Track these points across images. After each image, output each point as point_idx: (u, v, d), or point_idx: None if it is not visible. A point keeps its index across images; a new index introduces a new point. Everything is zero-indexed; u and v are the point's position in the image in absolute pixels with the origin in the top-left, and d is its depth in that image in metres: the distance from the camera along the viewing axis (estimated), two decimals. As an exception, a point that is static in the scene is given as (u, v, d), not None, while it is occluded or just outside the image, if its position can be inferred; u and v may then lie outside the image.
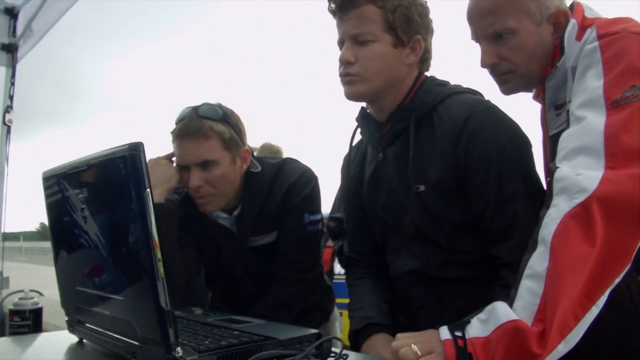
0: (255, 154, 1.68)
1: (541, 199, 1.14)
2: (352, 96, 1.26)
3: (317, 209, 1.64)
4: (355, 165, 1.47)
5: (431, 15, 1.30)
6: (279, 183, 1.62)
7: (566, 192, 0.90)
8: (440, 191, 1.21)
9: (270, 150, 3.52)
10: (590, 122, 0.94)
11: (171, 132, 1.54)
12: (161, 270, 0.81)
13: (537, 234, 0.92)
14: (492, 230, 1.17)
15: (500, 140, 1.16)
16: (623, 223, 0.85)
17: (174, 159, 1.58)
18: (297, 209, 1.61)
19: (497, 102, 1.27)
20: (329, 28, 1.32)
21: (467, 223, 1.22)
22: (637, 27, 1.01)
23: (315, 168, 1.67)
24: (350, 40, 1.23)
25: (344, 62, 1.23)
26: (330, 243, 2.82)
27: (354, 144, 1.49)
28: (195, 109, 1.52)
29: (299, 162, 1.71)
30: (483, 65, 1.21)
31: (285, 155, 3.44)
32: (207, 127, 1.48)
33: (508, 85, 1.22)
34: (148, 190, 0.81)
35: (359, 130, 1.42)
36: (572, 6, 1.19)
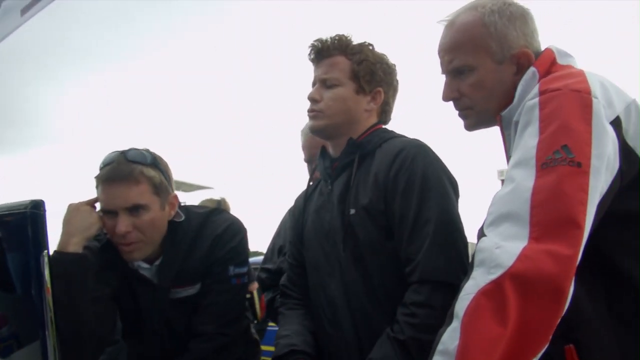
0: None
1: (452, 230, 1.24)
2: (314, 129, 1.44)
3: (243, 261, 1.60)
4: (306, 200, 1.56)
5: (398, 78, 1.48)
6: (205, 234, 1.58)
7: (484, 265, 0.87)
8: (368, 213, 1.31)
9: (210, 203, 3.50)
10: (519, 185, 0.91)
11: (96, 177, 1.48)
12: (53, 340, 0.76)
13: (453, 307, 0.90)
14: (406, 252, 1.26)
15: (426, 173, 1.28)
16: (538, 302, 0.82)
17: (97, 204, 1.51)
18: (222, 261, 1.57)
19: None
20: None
21: (391, 250, 1.29)
22: (580, 84, 0.97)
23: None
24: (320, 83, 1.42)
25: (311, 100, 1.41)
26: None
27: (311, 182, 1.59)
28: (123, 153, 1.47)
29: (228, 213, 1.68)
30: (443, 99, 1.22)
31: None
32: (137, 171, 1.44)
33: (468, 120, 1.21)
34: (45, 252, 0.77)
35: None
36: (543, 51, 1.16)
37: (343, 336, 1.35)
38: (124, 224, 1.42)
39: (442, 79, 1.22)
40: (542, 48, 1.17)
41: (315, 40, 1.43)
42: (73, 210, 1.46)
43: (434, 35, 1.26)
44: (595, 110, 0.92)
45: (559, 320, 0.82)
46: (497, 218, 0.91)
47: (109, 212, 1.45)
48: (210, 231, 1.58)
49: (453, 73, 1.18)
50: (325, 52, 1.42)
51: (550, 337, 0.82)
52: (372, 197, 1.31)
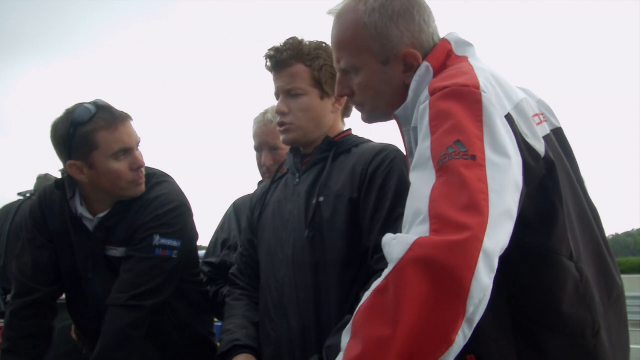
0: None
1: None
2: (288, 142, 1.47)
3: (171, 233, 1.56)
4: (262, 192, 1.58)
5: None
6: (142, 198, 1.58)
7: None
8: (338, 200, 1.35)
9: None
10: (420, 185, 0.88)
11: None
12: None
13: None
14: (377, 240, 1.25)
15: (402, 175, 1.34)
16: (438, 293, 0.75)
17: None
18: (146, 228, 1.55)
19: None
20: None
21: (352, 240, 1.32)
22: (469, 80, 0.94)
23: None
24: (284, 94, 1.43)
25: (280, 113, 1.43)
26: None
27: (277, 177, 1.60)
28: (98, 102, 1.55)
29: (172, 185, 1.66)
30: (337, 94, 1.21)
31: None
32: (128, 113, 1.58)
33: (362, 115, 1.21)
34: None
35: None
36: (438, 43, 1.12)
37: (287, 323, 1.36)
38: (141, 156, 1.56)
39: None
40: (441, 35, 1.14)
41: (269, 50, 1.43)
42: None
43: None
44: (485, 105, 0.91)
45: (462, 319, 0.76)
46: (407, 224, 0.88)
47: (125, 152, 1.52)
48: (143, 196, 1.59)
49: (342, 71, 1.17)
50: (283, 63, 1.42)
51: (453, 338, 0.75)
52: (347, 185, 1.35)
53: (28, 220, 1.69)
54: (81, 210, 1.60)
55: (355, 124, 1.58)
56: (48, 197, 1.67)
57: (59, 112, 1.57)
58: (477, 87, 0.93)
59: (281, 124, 1.44)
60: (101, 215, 1.58)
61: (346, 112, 1.55)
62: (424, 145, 0.91)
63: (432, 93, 0.95)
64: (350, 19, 1.13)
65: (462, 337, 0.76)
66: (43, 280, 1.62)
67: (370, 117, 1.20)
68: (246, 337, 1.41)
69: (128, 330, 1.49)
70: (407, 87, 1.09)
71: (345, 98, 1.43)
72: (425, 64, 1.08)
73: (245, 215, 1.71)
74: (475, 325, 0.77)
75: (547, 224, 0.95)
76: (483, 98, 0.91)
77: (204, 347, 1.78)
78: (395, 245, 0.81)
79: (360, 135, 1.52)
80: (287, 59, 1.42)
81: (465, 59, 1.07)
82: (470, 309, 0.75)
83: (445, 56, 1.09)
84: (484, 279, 0.76)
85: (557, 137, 1.06)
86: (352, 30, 1.12)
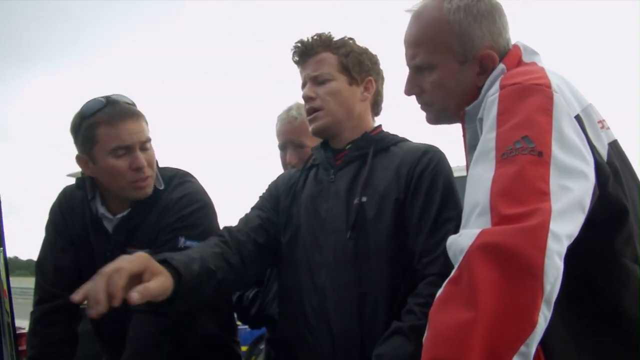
0: None
1: None
2: (317, 130, 1.41)
3: (197, 235, 1.49)
4: (290, 182, 1.50)
5: (382, 66, 1.50)
6: (162, 198, 1.53)
7: (454, 259, 0.83)
8: (382, 200, 1.31)
9: None
10: (480, 177, 0.89)
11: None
12: (10, 348, 0.67)
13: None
14: (425, 244, 1.26)
15: (448, 177, 1.33)
16: (513, 275, 0.75)
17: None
18: (170, 229, 1.49)
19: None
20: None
21: (397, 240, 1.29)
22: (540, 79, 0.96)
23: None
24: (311, 81, 1.41)
25: (306, 98, 1.40)
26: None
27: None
28: (110, 96, 1.48)
29: (195, 184, 1.61)
30: (405, 93, 1.21)
31: None
32: (138, 110, 1.51)
33: (428, 115, 1.21)
34: (1, 249, 0.68)
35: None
36: (511, 48, 1.14)
37: (329, 328, 1.30)
38: (142, 157, 1.47)
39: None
40: (512, 42, 1.15)
41: (296, 42, 1.44)
42: None
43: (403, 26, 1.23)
44: (556, 103, 0.92)
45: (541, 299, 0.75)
46: (465, 217, 0.89)
47: (124, 149, 1.45)
48: (166, 195, 1.54)
49: (415, 69, 1.17)
50: (309, 51, 1.42)
51: (535, 318, 0.74)
52: (393, 185, 1.32)
53: (48, 224, 1.66)
54: (102, 210, 1.56)
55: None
56: (68, 198, 1.63)
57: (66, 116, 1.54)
58: (549, 86, 0.94)
59: (310, 111, 1.40)
60: (120, 215, 1.55)
61: (376, 108, 1.50)
62: (488, 137, 0.92)
63: (503, 87, 0.97)
64: (432, 15, 1.13)
65: (543, 319, 0.75)
66: (65, 285, 1.56)
67: (438, 117, 1.20)
68: (181, 264, 1.15)
69: (157, 337, 1.45)
70: (478, 90, 1.10)
71: (374, 85, 1.45)
72: (501, 65, 1.09)
73: None
74: (552, 306, 0.77)
75: (612, 225, 0.96)
76: (554, 96, 0.93)
77: (225, 355, 1.73)
78: (462, 239, 0.82)
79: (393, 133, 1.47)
80: (314, 46, 1.42)
81: (534, 63, 1.10)
82: (547, 287, 0.75)
83: (518, 61, 1.11)
84: (556, 258, 0.77)
85: (617, 147, 1.06)
86: (433, 27, 1.12)
